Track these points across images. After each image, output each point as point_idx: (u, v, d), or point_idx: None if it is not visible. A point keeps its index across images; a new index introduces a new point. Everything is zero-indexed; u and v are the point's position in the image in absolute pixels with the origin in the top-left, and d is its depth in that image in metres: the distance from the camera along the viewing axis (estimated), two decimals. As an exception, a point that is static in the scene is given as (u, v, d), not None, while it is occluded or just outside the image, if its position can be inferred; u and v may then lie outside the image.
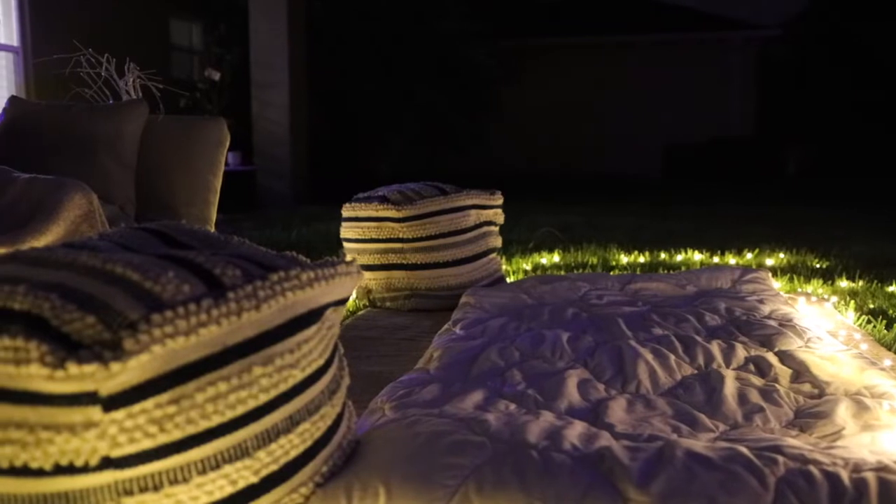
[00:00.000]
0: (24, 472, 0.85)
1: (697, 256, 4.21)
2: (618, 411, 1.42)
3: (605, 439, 1.21)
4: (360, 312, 2.77)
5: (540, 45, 15.13)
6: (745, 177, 12.62)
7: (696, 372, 1.68)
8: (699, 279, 2.65)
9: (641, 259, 4.21)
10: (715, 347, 1.80)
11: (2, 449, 0.85)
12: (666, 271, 3.64)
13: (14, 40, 7.41)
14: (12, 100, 2.83)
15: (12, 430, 0.84)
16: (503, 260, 3.99)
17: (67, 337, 0.86)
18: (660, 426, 1.35)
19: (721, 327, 2.02)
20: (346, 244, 2.87)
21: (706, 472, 1.02)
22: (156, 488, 0.88)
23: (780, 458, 1.06)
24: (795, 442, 1.17)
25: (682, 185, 11.81)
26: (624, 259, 4.22)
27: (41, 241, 1.75)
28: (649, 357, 1.74)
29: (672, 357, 1.75)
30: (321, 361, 1.06)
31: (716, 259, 4.14)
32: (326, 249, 4.37)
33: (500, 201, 3.02)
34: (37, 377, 0.83)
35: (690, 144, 14.04)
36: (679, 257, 4.23)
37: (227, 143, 2.84)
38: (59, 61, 3.41)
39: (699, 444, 1.14)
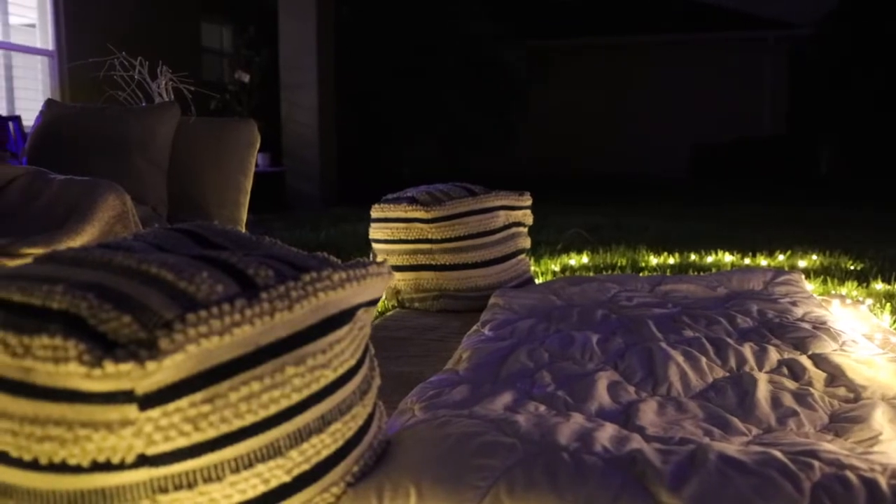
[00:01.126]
0: (63, 468, 0.86)
1: (728, 258, 4.17)
2: (648, 414, 1.41)
3: (637, 442, 1.20)
4: (388, 313, 2.78)
5: (567, 45, 15.06)
6: (777, 177, 12.45)
7: (727, 375, 1.66)
8: (730, 281, 2.62)
9: (671, 260, 4.18)
10: (747, 350, 1.78)
11: (41, 445, 0.86)
12: (696, 273, 3.60)
13: (49, 44, 7.54)
14: (48, 103, 2.89)
15: (51, 426, 0.86)
16: (531, 261, 3.98)
17: (104, 336, 0.87)
18: (691, 429, 1.33)
19: (753, 329, 2.00)
20: (374, 245, 2.88)
21: (740, 476, 1.01)
22: (190, 486, 0.89)
23: (816, 463, 1.05)
24: (831, 447, 1.15)
25: (712, 186, 11.69)
26: (653, 260, 4.19)
27: (76, 242, 1.78)
28: (680, 359, 1.72)
29: (703, 359, 1.73)
30: (353, 362, 1.06)
31: (747, 260, 4.09)
32: (355, 250, 4.39)
33: (529, 202, 3.01)
34: (75, 375, 0.84)
35: (720, 144, 13.89)
36: (709, 259, 4.19)
37: (258, 145, 2.87)
38: (94, 64, 3.47)
39: (732, 447, 1.13)
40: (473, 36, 10.70)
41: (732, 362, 1.73)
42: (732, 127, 14.10)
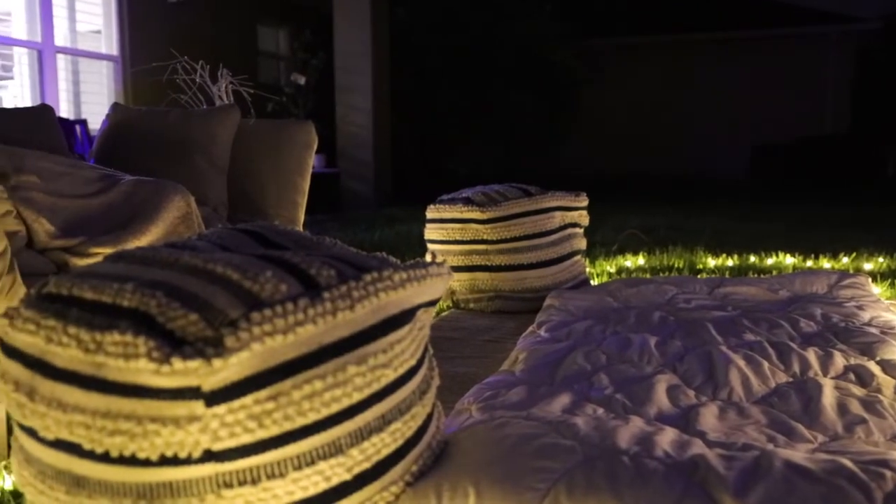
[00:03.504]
0: (133, 461, 0.89)
1: (789, 260, 4.07)
2: (709, 418, 1.39)
3: (698, 447, 1.18)
4: (443, 313, 2.79)
5: (622, 43, 14.88)
6: (841, 177, 12.10)
7: (791, 380, 1.62)
8: (793, 284, 2.56)
9: (730, 262, 4.09)
10: (811, 355, 1.74)
11: (112, 439, 0.89)
12: (756, 275, 3.53)
13: (114, 50, 7.77)
14: (114, 106, 2.97)
15: (122, 421, 0.88)
16: (586, 262, 3.94)
17: (172, 333, 0.89)
18: (754, 435, 1.30)
19: (817, 334, 1.95)
20: (430, 245, 2.89)
21: (808, 484, 0.99)
22: (254, 482, 0.91)
23: (888, 473, 1.01)
24: (903, 456, 1.11)
25: (773, 187, 11.42)
26: (711, 262, 4.12)
27: (142, 241, 1.83)
28: (741, 363, 1.69)
29: (765, 364, 1.69)
30: (413, 361, 1.07)
31: (809, 263, 3.99)
32: (409, 251, 4.41)
33: (585, 203, 2.99)
34: (144, 371, 0.86)
35: (781, 144, 13.55)
36: (770, 261, 4.10)
37: (315, 146, 2.91)
38: (156, 68, 3.56)
39: (798, 454, 1.10)
40: (528, 35, 10.66)
41: (796, 367, 1.68)
42: (793, 126, 13.74)
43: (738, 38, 14.72)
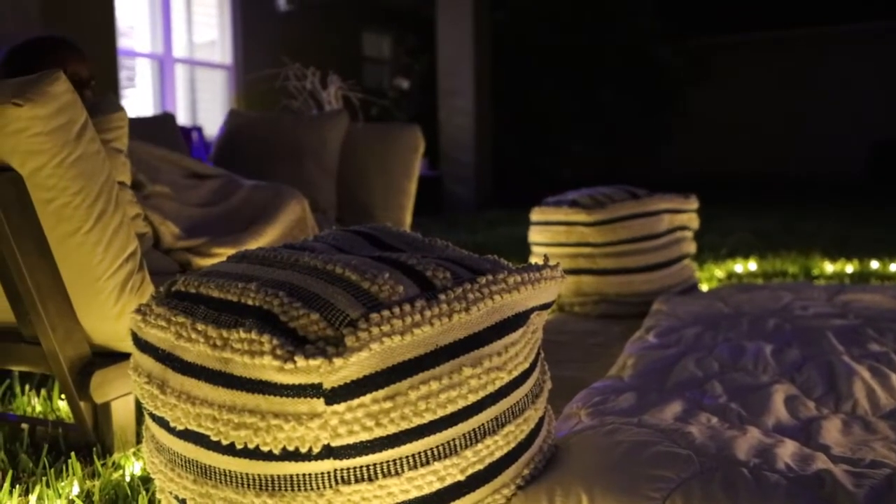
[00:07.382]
0: (256, 454, 0.92)
1: (916, 266, 3.83)
2: (833, 432, 1.33)
3: (822, 461, 1.13)
4: (549, 316, 2.77)
5: (732, 41, 14.38)
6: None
7: (923, 394, 1.53)
8: (922, 291, 2.41)
9: (849, 268, 3.89)
10: (945, 368, 1.63)
11: (237, 432, 0.92)
12: (879, 282, 3.34)
13: (228, 59, 8.12)
14: (231, 113, 3.10)
15: (247, 415, 0.92)
16: (694, 266, 3.83)
17: (294, 332, 0.92)
18: (883, 452, 1.24)
19: (951, 346, 1.83)
20: (534, 248, 2.88)
21: (947, 505, 0.93)
22: (370, 479, 0.93)
23: None
24: None
25: (894, 187, 10.78)
26: (829, 268, 3.92)
27: (260, 243, 1.90)
28: (866, 375, 1.61)
29: (893, 376, 1.61)
30: (526, 365, 1.06)
31: (939, 270, 3.74)
32: (512, 253, 4.40)
33: (695, 205, 2.91)
34: (268, 368, 0.89)
35: (904, 142, 12.78)
36: (893, 267, 3.87)
37: (422, 150, 2.94)
38: (267, 76, 3.70)
39: (934, 474, 1.04)
40: (632, 35, 10.46)
41: (928, 381, 1.59)
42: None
43: (854, 31, 13.97)
